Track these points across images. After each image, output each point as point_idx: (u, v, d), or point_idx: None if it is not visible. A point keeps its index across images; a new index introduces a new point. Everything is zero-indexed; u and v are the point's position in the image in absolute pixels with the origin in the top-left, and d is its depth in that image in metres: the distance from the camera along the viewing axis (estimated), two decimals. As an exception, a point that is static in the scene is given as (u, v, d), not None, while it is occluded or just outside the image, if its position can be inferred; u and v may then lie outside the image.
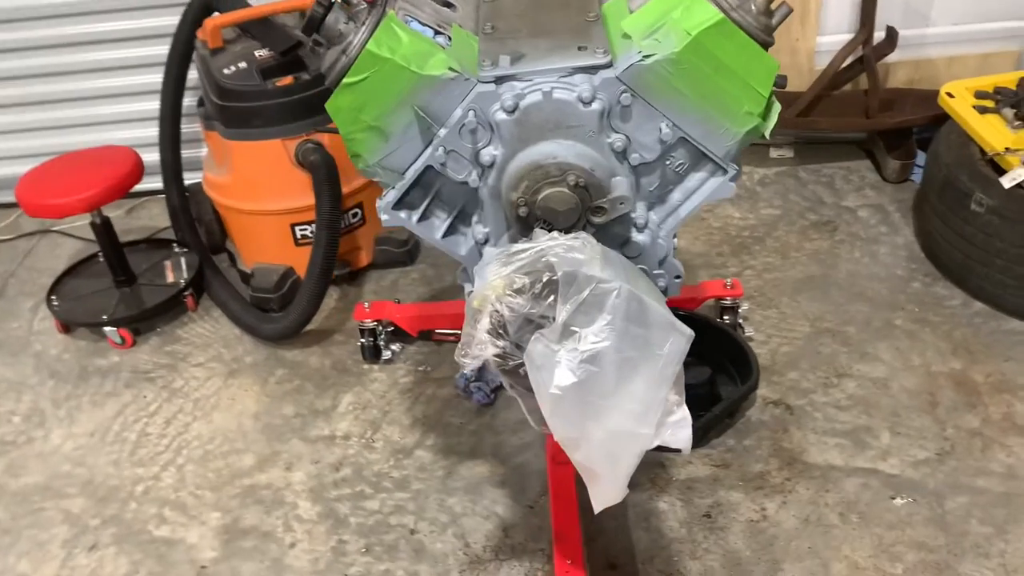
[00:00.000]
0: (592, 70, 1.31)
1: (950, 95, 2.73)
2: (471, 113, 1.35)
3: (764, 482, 2.08)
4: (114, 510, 2.17)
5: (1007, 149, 2.45)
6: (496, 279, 1.29)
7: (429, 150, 1.40)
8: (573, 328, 1.27)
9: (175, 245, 2.93)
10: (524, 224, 1.37)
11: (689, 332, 1.30)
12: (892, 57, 3.05)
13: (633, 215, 1.40)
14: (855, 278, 2.69)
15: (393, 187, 1.44)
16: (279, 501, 2.15)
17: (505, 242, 1.45)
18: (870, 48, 2.97)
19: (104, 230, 2.67)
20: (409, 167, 1.43)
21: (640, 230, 1.43)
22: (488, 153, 1.37)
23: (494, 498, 2.10)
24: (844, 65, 3.02)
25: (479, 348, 1.31)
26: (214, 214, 2.89)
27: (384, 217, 1.46)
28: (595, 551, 1.95)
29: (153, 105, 2.83)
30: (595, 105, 1.31)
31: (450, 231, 1.52)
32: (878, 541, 1.92)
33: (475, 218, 1.50)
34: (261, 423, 2.37)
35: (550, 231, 1.34)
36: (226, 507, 2.15)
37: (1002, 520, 1.94)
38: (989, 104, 2.68)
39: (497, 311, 1.29)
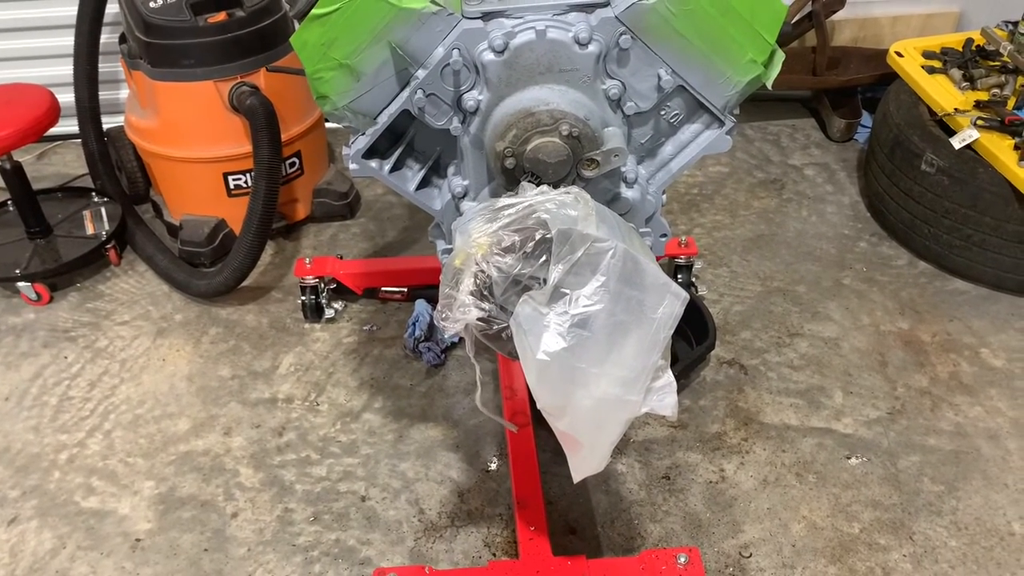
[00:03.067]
0: (589, 8, 1.21)
1: (899, 54, 2.73)
2: (455, 52, 1.23)
3: (721, 443, 2.06)
4: (35, 480, 2.00)
5: (956, 110, 2.46)
6: (481, 236, 1.19)
7: (405, 92, 1.28)
8: (564, 290, 1.19)
9: (94, 194, 2.71)
10: (510, 177, 1.27)
11: (684, 294, 1.24)
12: (838, 15, 3.03)
13: (623, 169, 1.32)
14: (803, 237, 2.68)
15: (363, 133, 1.32)
16: (218, 468, 2.02)
17: (486, 196, 1.35)
18: (820, 4, 2.94)
19: (15, 176, 2.46)
20: (382, 111, 1.30)
21: (630, 185, 1.34)
22: (472, 98, 1.26)
23: (448, 462, 2.02)
24: (793, 21, 2.98)
25: (461, 311, 1.21)
26: (137, 160, 2.69)
27: (353, 166, 1.33)
28: (554, 515, 1.89)
29: (66, 40, 2.59)
30: (592, 47, 1.21)
31: (423, 183, 1.40)
32: (835, 501, 1.92)
33: (452, 169, 1.39)
34: (195, 385, 2.23)
35: (538, 184, 1.24)
36: (160, 475, 2.01)
37: (952, 478, 1.96)
38: (937, 64, 2.68)
39: (483, 271, 1.19)
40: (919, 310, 2.41)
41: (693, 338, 2.24)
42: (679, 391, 2.10)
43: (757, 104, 3.23)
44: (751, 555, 1.81)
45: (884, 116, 2.67)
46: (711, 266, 2.57)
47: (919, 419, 2.10)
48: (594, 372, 1.22)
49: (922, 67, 2.67)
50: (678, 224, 2.73)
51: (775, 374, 2.23)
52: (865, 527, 1.87)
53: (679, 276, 2.40)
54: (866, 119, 3.11)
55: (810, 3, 2.96)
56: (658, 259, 2.32)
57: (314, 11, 1.22)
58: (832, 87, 3.08)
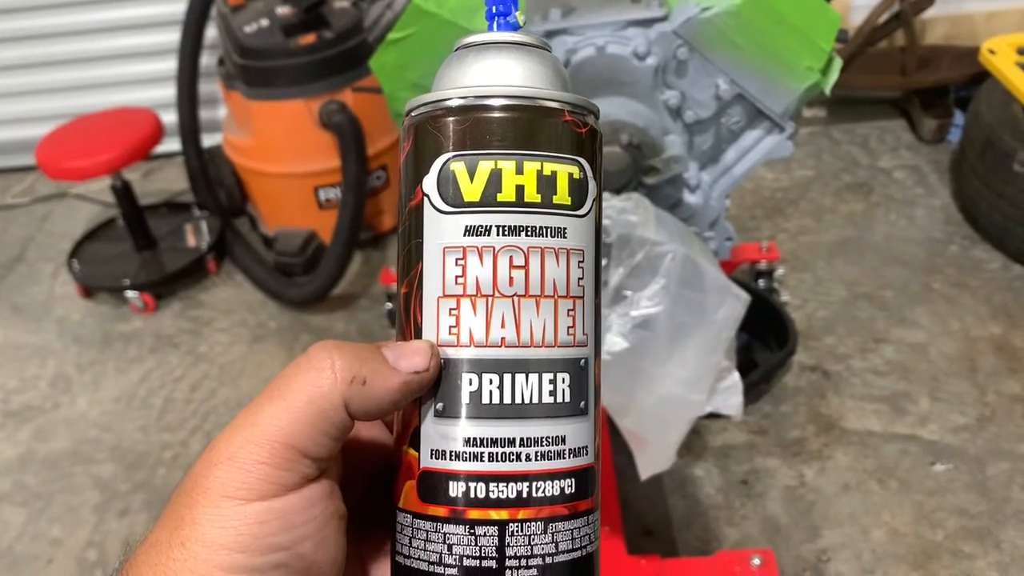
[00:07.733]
0: (647, 23, 1.25)
1: (992, 52, 2.65)
2: (519, 69, 1.28)
3: (801, 448, 2.04)
4: (143, 476, 2.15)
5: (1051, 108, 2.38)
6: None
7: (474, 107, 1.34)
8: (625, 292, 1.23)
9: (195, 208, 2.88)
10: (573, 185, 1.31)
11: (745, 296, 1.26)
12: (929, 13, 2.96)
13: (685, 175, 1.35)
14: (891, 241, 2.63)
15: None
16: (309, 467, 2.12)
17: (551, 204, 1.39)
18: (908, 3, 2.88)
19: (124, 193, 2.63)
20: (453, 125, 1.36)
21: (692, 191, 1.37)
22: (536, 110, 1.31)
23: (527, 464, 2.07)
24: (880, 21, 2.93)
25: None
26: (234, 176, 2.84)
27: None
28: (630, 517, 1.92)
29: (168, 65, 2.76)
30: (650, 60, 1.25)
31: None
32: (918, 507, 1.89)
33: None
34: (288, 389, 2.34)
35: (600, 192, 1.28)
36: (256, 473, 2.12)
37: (1045, 487, 1.91)
38: (1032, 61, 2.59)
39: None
40: (1013, 315, 2.34)
41: (775, 344, 2.23)
42: (759, 397, 2.15)
43: (845, 106, 3.18)
44: (829, 560, 1.80)
45: (975, 116, 2.61)
46: (795, 271, 2.55)
47: (1010, 426, 2.04)
48: (657, 372, 1.26)
49: (1016, 64, 2.58)
50: (762, 229, 2.72)
51: (859, 380, 2.20)
52: (949, 534, 1.83)
53: (760, 281, 2.39)
54: (959, 119, 3.03)
55: (897, 2, 2.90)
56: (738, 264, 2.37)
57: (390, 35, 1.29)
58: (922, 87, 3.01)
